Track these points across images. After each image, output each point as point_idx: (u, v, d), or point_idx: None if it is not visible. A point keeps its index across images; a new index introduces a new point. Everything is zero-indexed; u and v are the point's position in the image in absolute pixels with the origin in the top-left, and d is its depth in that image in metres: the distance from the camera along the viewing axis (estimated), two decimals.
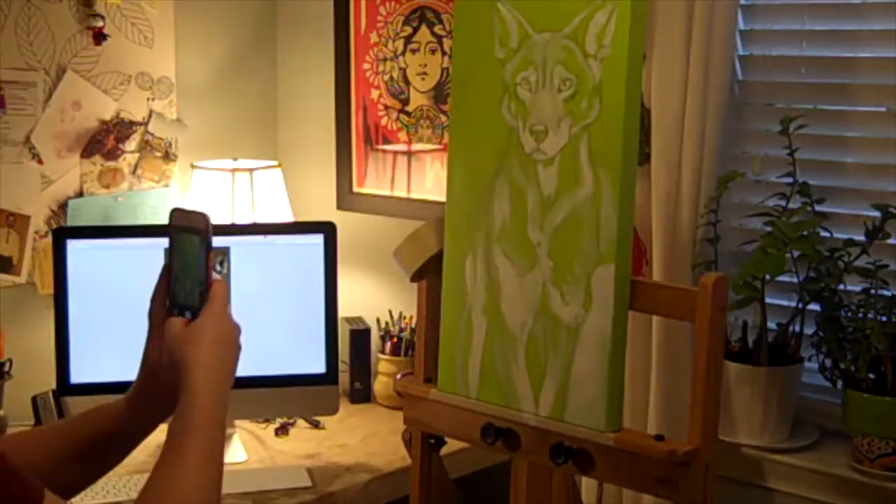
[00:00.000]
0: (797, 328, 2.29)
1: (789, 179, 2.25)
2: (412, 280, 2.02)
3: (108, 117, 2.74)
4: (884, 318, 2.17)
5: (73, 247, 2.43)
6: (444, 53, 2.75)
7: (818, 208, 2.24)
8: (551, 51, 1.78)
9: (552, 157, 1.78)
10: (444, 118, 2.77)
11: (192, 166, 2.81)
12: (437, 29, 2.75)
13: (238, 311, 2.56)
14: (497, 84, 1.84)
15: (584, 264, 1.75)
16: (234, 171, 2.75)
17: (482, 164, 1.88)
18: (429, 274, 2.00)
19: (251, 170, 2.77)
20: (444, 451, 2.08)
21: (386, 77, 2.86)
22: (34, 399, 2.41)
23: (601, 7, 1.72)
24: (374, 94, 2.89)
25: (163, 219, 3.09)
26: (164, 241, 2.43)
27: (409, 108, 2.83)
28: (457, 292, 1.93)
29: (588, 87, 1.74)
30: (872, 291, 2.19)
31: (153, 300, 1.35)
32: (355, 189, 2.96)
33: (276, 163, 2.88)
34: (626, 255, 1.75)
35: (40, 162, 2.64)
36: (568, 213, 1.77)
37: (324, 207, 2.99)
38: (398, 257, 2.03)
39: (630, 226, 1.76)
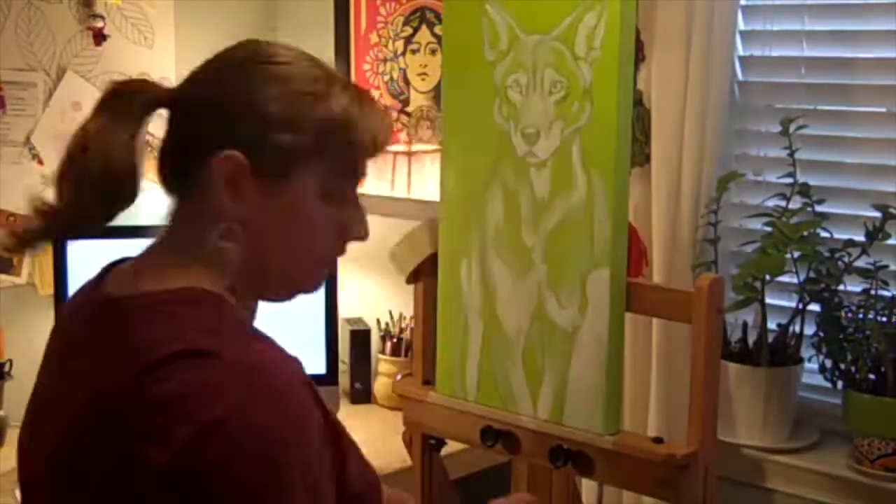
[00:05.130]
0: (797, 329, 2.29)
1: (789, 180, 2.25)
2: (408, 282, 2.02)
3: None
4: (884, 319, 2.17)
5: (73, 247, 2.43)
6: None
7: (818, 209, 2.24)
8: (541, 53, 1.77)
9: (544, 161, 1.78)
10: None
11: None
12: (437, 29, 2.74)
13: None
14: (488, 86, 1.83)
15: (579, 268, 1.75)
16: None
17: (475, 167, 1.87)
18: (425, 275, 2.00)
19: None
20: (444, 451, 2.08)
21: (386, 77, 2.86)
22: None
23: (590, 9, 1.71)
24: (375, 94, 2.89)
25: (163, 219, 3.08)
26: None
27: (409, 109, 2.82)
28: (453, 296, 1.93)
29: (579, 90, 1.73)
30: (872, 292, 2.19)
31: None
32: None
33: None
34: (620, 259, 1.75)
35: (40, 162, 2.64)
36: (561, 216, 1.77)
37: None
38: (394, 259, 2.03)
39: (624, 229, 1.75)
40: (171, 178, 1.29)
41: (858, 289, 2.22)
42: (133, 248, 2.44)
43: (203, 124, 1.25)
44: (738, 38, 2.35)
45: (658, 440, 1.76)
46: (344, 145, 1.26)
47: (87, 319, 1.26)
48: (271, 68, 1.25)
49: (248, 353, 1.16)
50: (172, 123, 1.28)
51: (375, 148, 1.31)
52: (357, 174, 1.31)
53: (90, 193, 1.23)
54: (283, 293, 1.34)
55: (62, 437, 1.19)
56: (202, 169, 1.23)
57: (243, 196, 1.23)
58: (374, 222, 3.18)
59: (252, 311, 1.31)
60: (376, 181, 2.91)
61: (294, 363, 1.20)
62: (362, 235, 1.34)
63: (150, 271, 1.26)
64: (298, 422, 1.14)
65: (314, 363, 2.46)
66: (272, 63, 1.26)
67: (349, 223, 1.32)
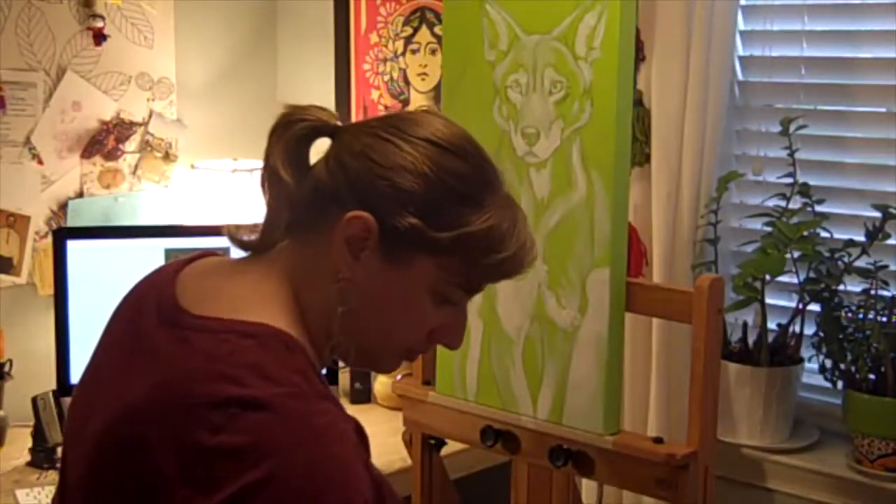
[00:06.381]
0: (797, 328, 2.29)
1: (789, 180, 2.25)
2: None
3: (108, 118, 2.74)
4: (884, 319, 2.17)
5: (73, 247, 2.43)
6: None
7: (818, 209, 2.24)
8: (541, 53, 1.77)
9: (544, 161, 1.78)
10: None
11: (192, 166, 2.81)
12: (437, 29, 2.74)
13: None
14: (488, 86, 1.83)
15: (579, 268, 1.75)
16: (234, 171, 2.75)
17: None
18: None
19: (251, 170, 2.76)
20: (444, 451, 2.08)
21: (386, 77, 2.86)
22: (34, 399, 2.41)
23: (590, 8, 1.71)
24: (375, 94, 2.89)
25: (163, 219, 3.08)
26: (164, 241, 2.45)
27: (410, 109, 2.82)
28: None
29: (579, 90, 1.73)
30: (872, 292, 2.19)
31: None
32: None
33: None
34: (620, 259, 1.75)
35: (40, 162, 2.64)
36: (561, 216, 1.77)
37: None
38: None
39: (624, 229, 1.75)
40: (300, 212, 1.22)
41: (858, 289, 2.22)
42: (132, 247, 2.45)
43: (353, 177, 1.20)
44: (738, 38, 2.35)
45: (658, 440, 1.76)
46: (475, 260, 1.21)
47: (153, 319, 1.20)
48: (437, 153, 1.20)
49: (305, 412, 1.10)
50: (330, 160, 1.22)
51: (504, 278, 1.26)
52: (474, 290, 1.26)
53: None
54: (355, 362, 1.29)
55: (97, 441, 1.16)
56: (331, 218, 1.19)
57: (360, 259, 1.19)
58: None
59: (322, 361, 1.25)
60: None
61: (352, 427, 1.15)
62: (452, 344, 1.29)
63: (233, 293, 1.20)
64: (348, 491, 1.09)
65: None
66: (442, 147, 1.21)
67: (444, 327, 1.26)
